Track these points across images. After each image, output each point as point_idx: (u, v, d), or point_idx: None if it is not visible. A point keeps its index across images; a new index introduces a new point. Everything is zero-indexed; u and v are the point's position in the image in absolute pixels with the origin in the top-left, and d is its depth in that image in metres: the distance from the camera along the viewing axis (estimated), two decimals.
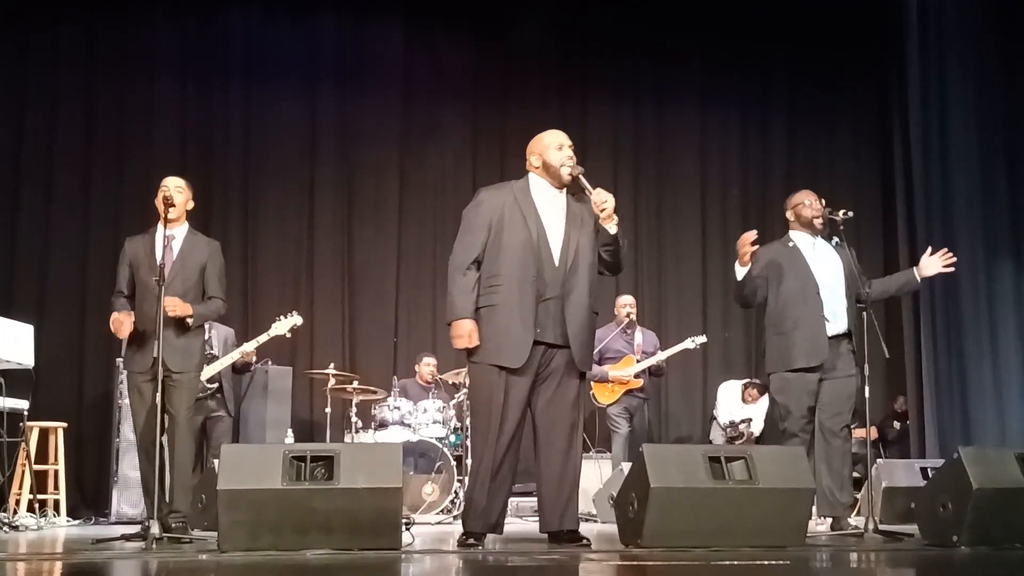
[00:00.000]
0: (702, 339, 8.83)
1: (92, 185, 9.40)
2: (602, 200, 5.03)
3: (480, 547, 5.02)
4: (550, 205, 5.17)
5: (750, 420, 9.37)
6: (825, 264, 6.12)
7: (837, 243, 6.09)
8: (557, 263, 5.06)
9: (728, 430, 9.45)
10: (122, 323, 5.69)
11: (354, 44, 10.23)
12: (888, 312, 9.88)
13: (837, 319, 6.04)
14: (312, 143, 10.07)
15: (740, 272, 5.99)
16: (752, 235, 5.89)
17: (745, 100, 11.00)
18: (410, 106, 10.27)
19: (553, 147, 5.21)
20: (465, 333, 4.99)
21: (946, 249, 6.26)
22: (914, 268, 6.33)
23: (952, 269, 6.34)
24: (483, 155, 10.26)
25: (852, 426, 6.22)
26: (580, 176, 5.14)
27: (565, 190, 5.22)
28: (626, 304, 8.73)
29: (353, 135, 10.09)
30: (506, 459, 5.05)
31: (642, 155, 10.76)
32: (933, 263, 6.24)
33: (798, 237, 6.21)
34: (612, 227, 5.08)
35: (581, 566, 4.44)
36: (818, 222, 6.13)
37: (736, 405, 9.58)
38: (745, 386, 9.50)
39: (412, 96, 10.28)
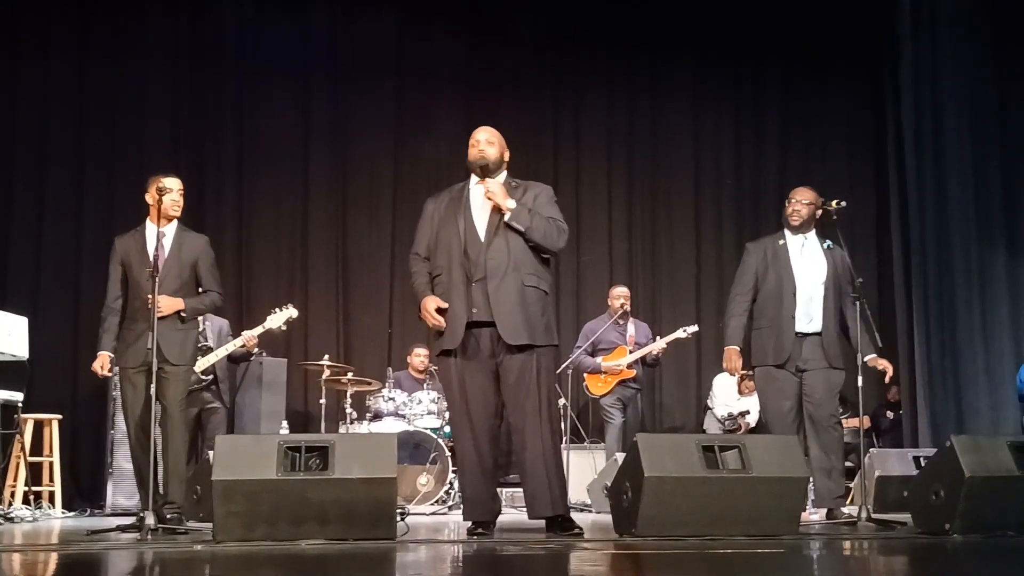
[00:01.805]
0: (694, 328, 8.82)
1: (85, 177, 9.39)
2: (485, 192, 5.30)
3: (488, 535, 5.09)
4: (481, 197, 5.36)
5: (747, 412, 9.39)
6: (810, 266, 6.20)
7: (829, 246, 6.15)
8: (482, 243, 5.23)
9: (727, 423, 9.45)
10: (105, 372, 5.93)
11: (347, 35, 10.20)
12: (881, 301, 9.91)
13: (812, 320, 6.13)
14: (305, 135, 10.05)
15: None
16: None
17: (739, 91, 10.99)
18: (403, 98, 10.26)
19: (470, 144, 5.51)
20: (430, 309, 5.24)
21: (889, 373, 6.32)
22: (873, 356, 6.24)
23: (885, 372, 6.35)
24: None
25: (844, 416, 6.26)
26: (478, 168, 5.42)
27: (500, 179, 5.40)
28: (620, 295, 8.73)
29: (346, 127, 10.07)
30: (483, 446, 5.20)
31: (636, 146, 10.75)
32: (879, 365, 6.26)
33: (789, 235, 6.27)
34: (505, 216, 5.25)
35: (575, 555, 4.45)
36: (793, 220, 6.24)
37: (732, 397, 9.59)
38: (741, 378, 9.47)
39: (405, 87, 10.27)
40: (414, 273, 5.42)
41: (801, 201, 6.24)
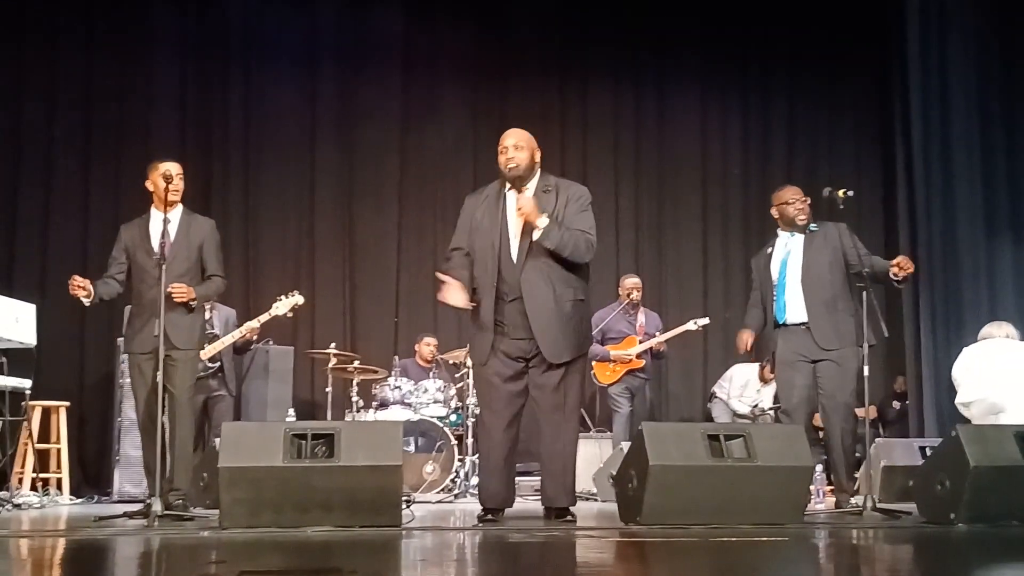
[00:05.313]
0: (705, 321, 8.79)
1: (92, 165, 9.38)
2: (517, 208, 5.21)
3: (497, 522, 5.16)
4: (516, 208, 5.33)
5: (777, 408, 9.34)
6: (789, 261, 6.25)
7: (813, 228, 6.17)
8: (515, 262, 5.23)
9: (760, 417, 9.38)
10: (80, 286, 5.75)
11: (354, 25, 10.19)
12: (888, 291, 9.86)
13: (797, 311, 6.19)
14: (312, 124, 10.05)
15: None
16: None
17: (745, 80, 10.98)
18: (410, 87, 10.25)
19: (499, 151, 5.39)
20: (450, 294, 5.23)
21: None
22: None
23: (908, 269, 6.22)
24: (483, 136, 10.21)
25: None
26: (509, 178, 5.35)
27: (533, 183, 5.37)
28: (632, 286, 8.70)
29: (353, 116, 10.06)
30: (502, 440, 5.26)
31: (643, 136, 10.74)
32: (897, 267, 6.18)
33: (780, 238, 6.36)
34: (536, 233, 5.18)
35: (580, 543, 4.47)
36: (801, 220, 6.23)
37: (753, 387, 9.55)
38: (763, 365, 9.43)
39: (412, 77, 10.26)
40: (452, 265, 5.34)
41: (804, 200, 6.25)
